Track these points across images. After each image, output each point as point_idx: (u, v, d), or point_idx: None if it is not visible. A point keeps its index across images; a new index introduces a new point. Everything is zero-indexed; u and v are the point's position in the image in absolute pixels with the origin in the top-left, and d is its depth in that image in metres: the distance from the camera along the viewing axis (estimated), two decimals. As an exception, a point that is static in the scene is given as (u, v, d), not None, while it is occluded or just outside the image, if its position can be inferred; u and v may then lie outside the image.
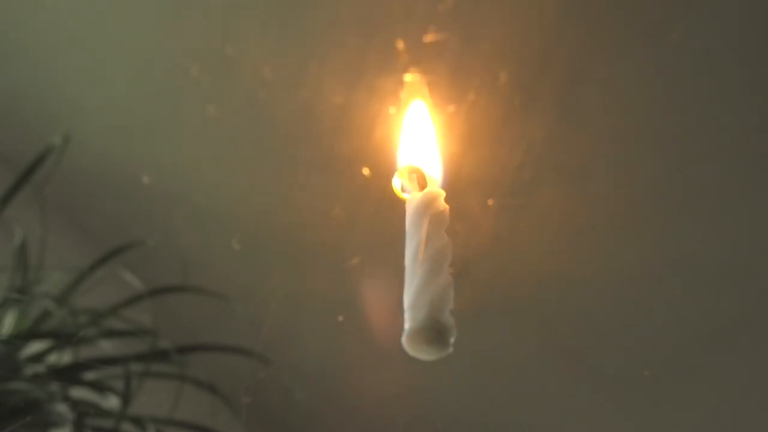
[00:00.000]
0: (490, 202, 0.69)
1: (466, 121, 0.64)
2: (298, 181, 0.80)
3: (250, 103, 0.76)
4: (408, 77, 0.56)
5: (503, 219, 0.74)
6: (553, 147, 0.70)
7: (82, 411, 0.57)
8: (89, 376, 0.62)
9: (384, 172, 0.67)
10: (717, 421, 0.87)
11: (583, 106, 0.68)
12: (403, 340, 0.28)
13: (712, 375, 0.84)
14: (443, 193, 0.30)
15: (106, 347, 0.64)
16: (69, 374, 0.60)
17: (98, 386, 0.61)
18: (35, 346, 0.60)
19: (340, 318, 0.78)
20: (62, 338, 0.61)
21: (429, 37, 0.62)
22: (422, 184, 0.31)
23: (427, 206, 0.29)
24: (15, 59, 0.81)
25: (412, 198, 0.30)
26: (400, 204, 0.31)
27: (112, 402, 0.60)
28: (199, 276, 0.76)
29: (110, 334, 0.65)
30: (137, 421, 0.59)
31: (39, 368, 0.59)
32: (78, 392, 0.60)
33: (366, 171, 0.67)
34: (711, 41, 0.62)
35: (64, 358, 0.60)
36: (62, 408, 0.56)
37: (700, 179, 0.71)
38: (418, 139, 0.32)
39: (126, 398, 0.58)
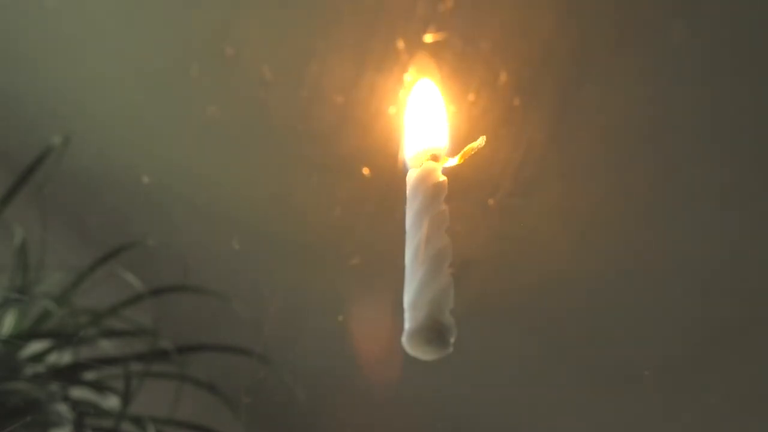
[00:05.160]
0: (490, 202, 0.69)
1: (466, 121, 0.64)
2: (298, 181, 0.80)
3: (250, 103, 0.76)
4: (428, 38, 0.56)
5: (503, 219, 0.74)
6: (553, 147, 0.70)
7: (82, 411, 0.57)
8: (89, 376, 0.62)
9: (384, 172, 0.67)
10: (717, 421, 0.87)
11: (583, 106, 0.68)
12: (403, 340, 0.28)
13: (712, 375, 0.84)
14: (444, 191, 0.30)
15: (106, 347, 0.64)
16: (69, 374, 0.60)
17: (98, 386, 0.61)
18: (35, 346, 0.60)
19: (340, 318, 0.78)
20: (62, 338, 0.61)
21: (429, 37, 0.62)
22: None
23: (427, 205, 0.29)
24: (15, 59, 0.81)
25: (412, 197, 0.30)
26: (400, 204, 0.31)
27: (112, 402, 0.60)
28: (199, 276, 0.76)
29: (110, 334, 0.65)
30: (137, 421, 0.59)
31: (39, 368, 0.59)
32: (78, 392, 0.60)
33: (366, 171, 0.67)
34: (711, 41, 0.62)
35: (64, 358, 0.60)
36: (62, 408, 0.56)
37: (701, 179, 0.71)
38: (428, 119, 0.32)
39: (126, 398, 0.58)
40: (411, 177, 0.30)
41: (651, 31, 0.63)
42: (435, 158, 0.31)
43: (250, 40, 0.71)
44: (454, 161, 0.31)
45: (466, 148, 0.30)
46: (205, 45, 0.73)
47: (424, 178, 0.30)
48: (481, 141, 0.30)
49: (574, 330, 0.85)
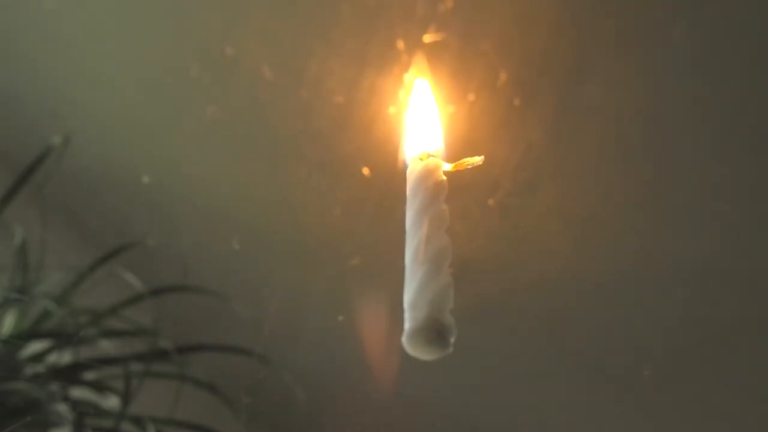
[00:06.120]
0: (490, 202, 0.69)
1: (466, 121, 0.64)
2: (298, 181, 0.80)
3: (250, 103, 0.76)
4: (427, 38, 0.56)
5: (503, 219, 0.74)
6: (553, 147, 0.70)
7: (82, 411, 0.57)
8: (89, 376, 0.62)
9: (384, 172, 0.67)
10: (717, 421, 0.87)
11: (583, 106, 0.68)
12: (403, 340, 0.28)
13: (712, 375, 0.84)
14: (445, 191, 0.30)
15: (106, 347, 0.64)
16: (69, 374, 0.60)
17: (98, 386, 0.61)
18: (35, 346, 0.60)
19: (340, 318, 0.78)
20: (62, 338, 0.61)
21: (429, 37, 0.62)
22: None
23: (427, 205, 0.29)
24: (15, 59, 0.81)
25: (412, 197, 0.30)
26: (400, 204, 0.31)
27: (112, 402, 0.60)
28: (199, 276, 0.76)
29: (110, 334, 0.65)
30: (137, 421, 0.59)
31: (39, 368, 0.59)
32: (78, 392, 0.60)
33: (366, 171, 0.67)
34: (711, 41, 0.62)
35: (64, 358, 0.60)
36: (62, 408, 0.56)
37: (701, 179, 0.71)
38: (424, 120, 0.32)
39: (126, 398, 0.58)
40: (411, 176, 0.30)
41: (651, 31, 0.63)
42: None
43: (250, 40, 0.71)
44: (447, 167, 0.31)
45: (463, 160, 0.31)
46: (205, 45, 0.73)
47: (425, 177, 0.30)
48: (478, 160, 0.31)
49: (574, 330, 0.85)
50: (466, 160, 0.31)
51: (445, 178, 0.30)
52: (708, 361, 0.82)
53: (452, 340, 0.28)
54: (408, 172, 0.31)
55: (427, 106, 0.33)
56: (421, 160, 0.30)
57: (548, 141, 0.69)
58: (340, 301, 0.80)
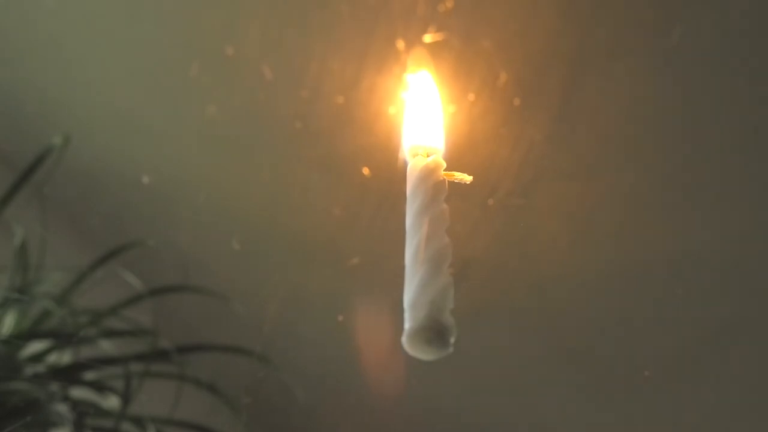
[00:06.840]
0: (490, 202, 0.69)
1: (466, 121, 0.64)
2: (298, 181, 0.80)
3: (250, 103, 0.76)
4: (427, 38, 0.56)
5: (503, 219, 0.74)
6: (553, 147, 0.70)
7: (82, 411, 0.57)
8: (89, 376, 0.62)
9: (384, 172, 0.67)
10: (717, 421, 0.87)
11: (583, 106, 0.68)
12: (403, 340, 0.28)
13: (712, 375, 0.84)
14: (445, 191, 0.30)
15: (106, 347, 0.64)
16: (69, 374, 0.60)
17: (98, 386, 0.61)
18: (35, 346, 0.60)
19: (340, 318, 0.78)
20: (62, 338, 0.61)
21: (429, 37, 0.62)
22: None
23: (427, 205, 0.29)
24: (15, 59, 0.81)
25: (412, 196, 0.30)
26: (400, 204, 0.31)
27: (112, 402, 0.60)
28: (199, 276, 0.76)
29: (110, 334, 0.65)
30: (137, 421, 0.59)
31: (39, 368, 0.59)
32: (78, 392, 0.60)
33: (366, 171, 0.67)
34: (711, 41, 0.62)
35: (64, 358, 0.61)
36: (62, 408, 0.56)
37: (701, 178, 0.71)
38: (425, 115, 0.32)
39: (126, 398, 0.58)
40: (411, 176, 0.30)
41: (651, 31, 0.63)
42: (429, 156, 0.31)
43: (250, 40, 0.71)
44: None
45: (452, 172, 0.31)
46: (205, 45, 0.73)
47: (425, 177, 0.30)
48: (468, 178, 0.31)
49: (573, 330, 0.85)
50: (456, 173, 0.31)
51: (445, 177, 0.30)
52: (707, 360, 0.82)
53: (452, 340, 0.28)
54: (408, 170, 0.31)
55: (429, 101, 0.33)
56: (417, 163, 0.31)
57: (548, 141, 0.69)
58: (340, 301, 0.80)
